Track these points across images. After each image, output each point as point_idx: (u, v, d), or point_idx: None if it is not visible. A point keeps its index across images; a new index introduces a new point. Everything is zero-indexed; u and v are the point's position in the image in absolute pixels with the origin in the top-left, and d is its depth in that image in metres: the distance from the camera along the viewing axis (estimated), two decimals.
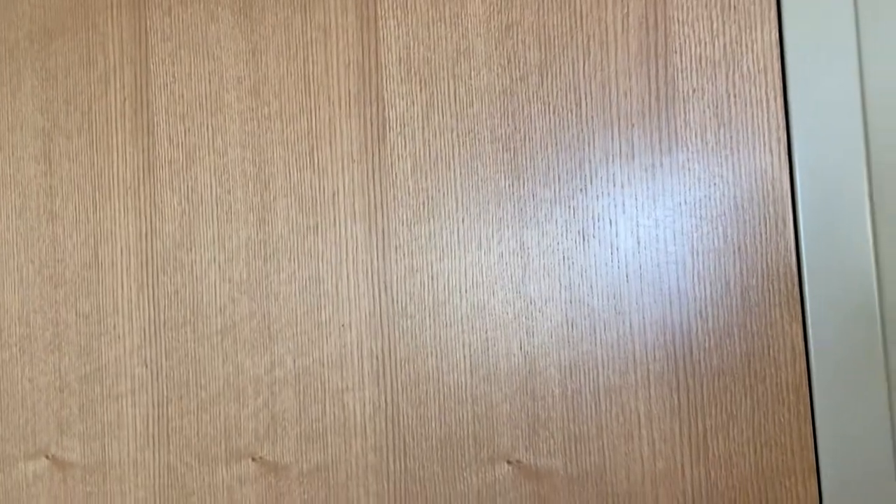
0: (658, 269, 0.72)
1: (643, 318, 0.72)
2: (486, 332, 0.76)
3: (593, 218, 0.74)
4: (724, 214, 0.70)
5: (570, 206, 0.75)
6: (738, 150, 0.70)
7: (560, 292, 0.74)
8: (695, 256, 0.71)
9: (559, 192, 0.75)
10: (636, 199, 0.73)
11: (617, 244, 0.73)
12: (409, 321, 0.78)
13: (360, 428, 0.79)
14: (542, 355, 0.74)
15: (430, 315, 0.78)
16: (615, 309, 0.73)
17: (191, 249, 0.86)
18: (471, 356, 0.77)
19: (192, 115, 0.87)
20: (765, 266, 0.69)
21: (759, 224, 0.69)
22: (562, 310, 0.74)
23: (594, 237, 0.73)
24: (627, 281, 0.72)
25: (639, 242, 0.72)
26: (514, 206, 0.76)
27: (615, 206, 0.73)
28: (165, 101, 0.89)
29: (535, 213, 0.75)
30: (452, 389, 0.77)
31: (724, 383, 0.70)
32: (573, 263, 0.74)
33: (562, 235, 0.74)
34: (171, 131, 0.88)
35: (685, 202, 0.71)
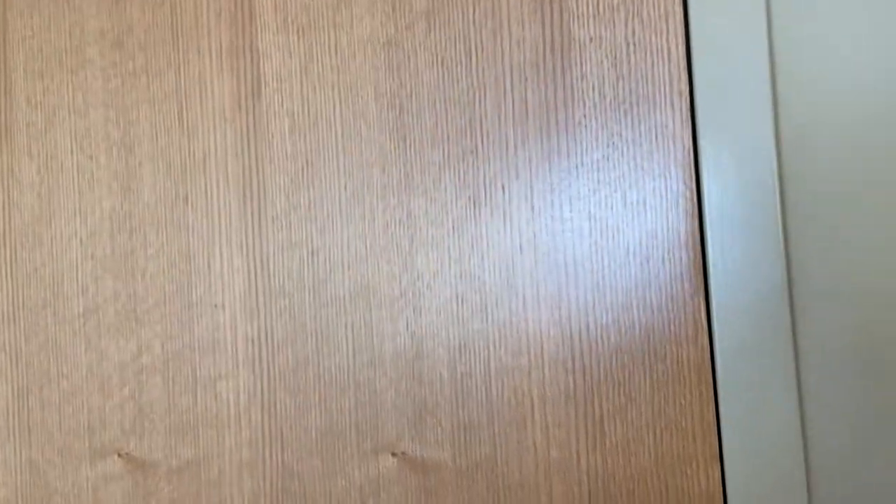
0: (553, 238, 0.74)
1: (537, 292, 0.74)
2: (371, 312, 0.79)
3: (485, 183, 0.76)
4: (624, 176, 0.73)
5: (459, 171, 0.77)
6: (638, 105, 0.73)
7: (449, 265, 0.77)
8: (592, 223, 0.74)
9: (448, 154, 0.77)
10: (530, 161, 0.75)
11: (510, 212, 0.75)
12: (287, 300, 0.81)
13: (234, 419, 0.82)
14: (430, 335, 0.77)
15: (309, 293, 0.80)
16: (507, 283, 0.75)
17: (50, 223, 0.88)
18: (353, 338, 0.79)
19: (51, 73, 0.89)
20: (667, 233, 0.72)
21: (661, 186, 0.72)
22: (451, 284, 0.77)
23: (486, 204, 0.76)
24: (521, 252, 0.75)
25: (533, 209, 0.75)
26: (401, 170, 0.78)
27: (508, 169, 0.76)
28: (24, 58, 0.90)
29: (422, 178, 0.78)
30: (334, 375, 0.79)
31: (623, 362, 0.72)
32: (463, 233, 0.76)
33: (451, 203, 0.77)
34: (29, 91, 0.90)
35: (582, 164, 0.74)
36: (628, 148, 0.73)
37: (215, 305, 0.83)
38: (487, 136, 0.77)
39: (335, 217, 0.80)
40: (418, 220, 0.78)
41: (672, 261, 0.72)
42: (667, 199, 0.72)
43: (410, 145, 0.78)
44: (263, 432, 0.81)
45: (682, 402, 0.71)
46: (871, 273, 0.69)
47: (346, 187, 0.80)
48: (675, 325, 0.72)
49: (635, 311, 0.73)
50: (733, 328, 0.71)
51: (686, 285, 0.72)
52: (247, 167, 0.82)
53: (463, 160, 0.77)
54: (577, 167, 0.74)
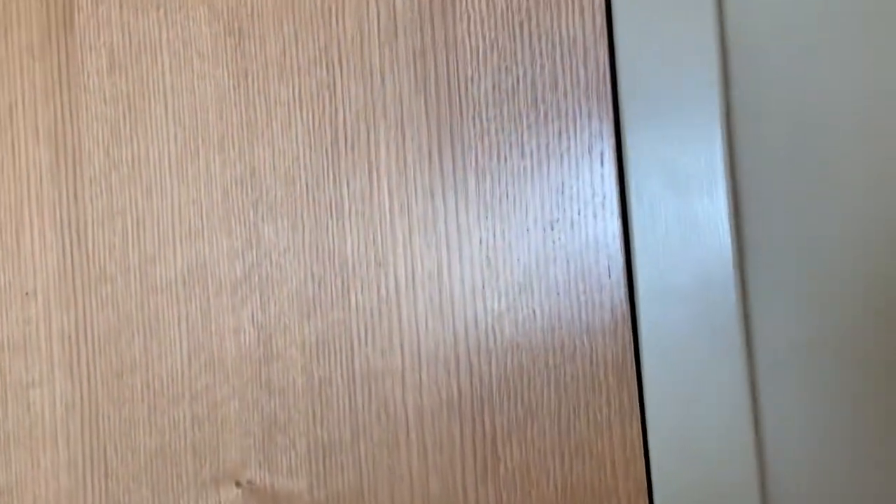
0: (432, 199, 0.64)
1: (412, 269, 0.64)
2: (209, 300, 0.70)
3: (345, 125, 0.66)
4: (521, 115, 0.62)
5: (314, 110, 0.67)
6: (538, 13, 0.62)
7: (304, 235, 0.67)
8: (480, 177, 0.63)
9: (299, 89, 0.67)
10: (400, 90, 0.65)
11: (377, 160, 0.65)
12: (109, 286, 0.72)
13: (50, 437, 0.74)
14: (281, 330, 0.68)
15: (135, 277, 0.71)
16: (375, 259, 0.65)
17: None
18: (189, 334, 0.70)
19: None
20: (578, 190, 0.61)
21: (570, 127, 0.61)
22: (306, 262, 0.67)
23: (346, 156, 0.66)
24: (391, 218, 0.65)
25: (406, 162, 0.65)
26: (242, 113, 0.69)
27: (374, 103, 0.66)
28: None
29: (268, 123, 0.68)
30: (165, 381, 0.71)
31: (520, 362, 0.62)
32: (321, 193, 0.67)
33: (304, 155, 0.67)
34: None
35: (467, 98, 0.63)
36: (526, 73, 0.62)
37: (26, 293, 0.75)
38: (348, 61, 0.66)
39: (164, 176, 0.71)
40: (264, 178, 0.68)
41: (584, 226, 0.61)
42: (578, 143, 0.61)
43: (253, 81, 0.69)
44: (84, 453, 0.73)
45: (599, 416, 0.61)
46: (836, 249, 0.57)
47: (176, 138, 0.70)
48: (588, 313, 0.61)
49: (536, 294, 0.62)
50: (665, 317, 0.60)
51: (603, 260, 0.61)
52: (59, 116, 0.74)
53: (318, 96, 0.67)
54: (461, 102, 0.64)
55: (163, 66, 0.71)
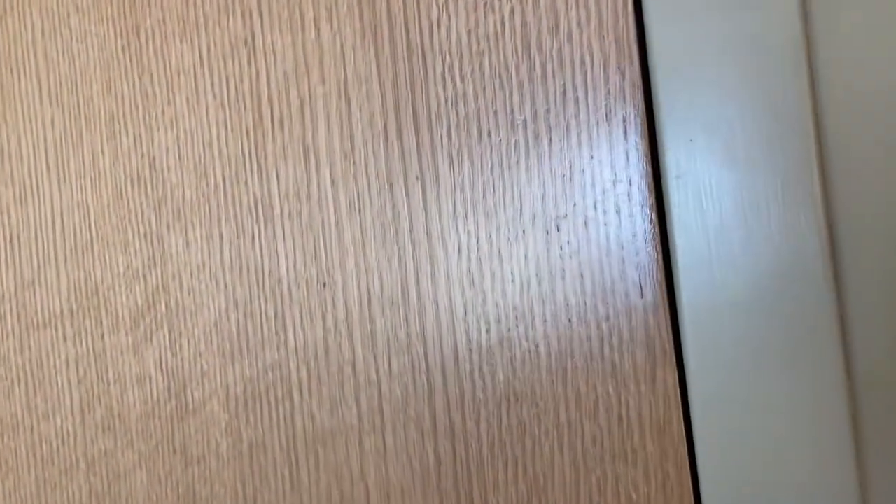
0: (390, 184, 0.47)
1: (368, 290, 0.47)
2: (104, 337, 0.53)
3: (270, 94, 0.49)
4: (516, 66, 0.45)
5: (228, 76, 0.50)
6: None
7: (222, 248, 0.50)
8: (455, 160, 0.46)
9: (208, 48, 0.51)
10: (342, 42, 0.48)
11: (315, 142, 0.48)
12: None
13: None
14: (198, 377, 0.51)
15: (11, 309, 0.55)
16: (318, 277, 0.48)
17: None
18: (80, 384, 0.54)
19: None
20: (592, 169, 0.44)
21: (577, 73, 0.44)
22: (226, 285, 0.50)
23: (276, 130, 0.49)
24: (327, 194, 0.48)
25: (341, 135, 0.47)
26: (135, 84, 0.52)
27: (308, 63, 0.48)
28: None
29: (169, 94, 0.51)
30: (55, 445, 0.54)
31: (521, 420, 0.45)
32: (243, 190, 0.50)
33: (219, 135, 0.50)
34: None
35: (433, 40, 0.46)
36: (515, 11, 0.45)
37: None
38: (269, 13, 0.49)
39: (40, 175, 0.54)
40: (167, 172, 0.51)
41: (603, 225, 0.44)
42: (590, 106, 0.44)
43: (148, 40, 0.52)
44: None
45: (634, 495, 0.43)
46: None
47: (53, 122, 0.54)
48: (613, 349, 0.44)
49: (539, 322, 0.45)
50: (721, 350, 0.42)
51: (631, 272, 0.43)
52: None
53: (232, 59, 0.50)
54: (424, 55, 0.47)
55: (33, 28, 0.54)
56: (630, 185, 0.43)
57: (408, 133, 0.47)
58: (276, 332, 0.49)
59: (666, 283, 0.44)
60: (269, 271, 0.49)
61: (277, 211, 0.49)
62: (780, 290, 0.41)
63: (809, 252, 0.40)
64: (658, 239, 0.43)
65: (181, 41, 0.51)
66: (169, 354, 0.52)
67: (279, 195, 0.49)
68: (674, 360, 0.43)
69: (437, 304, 0.46)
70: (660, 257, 0.43)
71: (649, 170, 0.43)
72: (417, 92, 0.47)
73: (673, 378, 0.43)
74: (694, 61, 0.42)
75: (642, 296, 0.43)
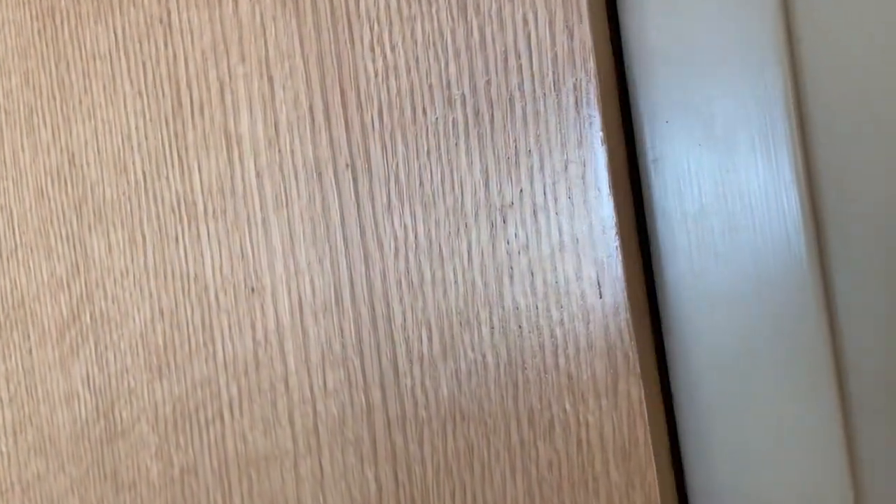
0: (318, 174, 0.42)
1: (299, 295, 0.43)
2: (31, 351, 0.49)
3: (188, 77, 0.45)
4: (452, 27, 0.39)
5: (146, 59, 0.46)
6: None
7: (146, 252, 0.46)
8: (388, 143, 0.41)
9: (125, 29, 0.46)
10: (262, 14, 0.43)
11: (237, 128, 0.44)
12: None
13: None
14: (125, 394, 0.47)
15: None
16: (245, 282, 0.44)
17: None
18: (11, 402, 0.50)
19: None
20: (541, 148, 0.38)
21: (520, 31, 0.38)
22: (151, 292, 0.46)
23: (196, 118, 0.45)
24: (251, 188, 0.43)
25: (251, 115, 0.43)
26: (52, 73, 0.48)
27: (226, 39, 0.44)
28: None
29: (86, 82, 0.47)
30: None
31: (469, 442, 0.40)
32: (164, 186, 0.45)
33: (138, 126, 0.46)
34: None
35: (361, 2, 0.41)
36: None
37: None
38: None
39: None
40: (87, 168, 0.47)
41: (556, 214, 0.38)
42: (537, 71, 0.38)
43: (63, 23, 0.48)
44: None
45: None
46: None
47: None
48: (571, 359, 0.38)
49: (485, 330, 0.39)
50: (705, 351, 0.37)
51: (589, 269, 0.37)
52: None
53: (149, 40, 0.45)
54: (350, 22, 0.41)
55: None
56: (584, 166, 0.37)
57: (335, 115, 0.42)
58: (204, 344, 0.45)
59: (637, 277, 0.38)
60: (195, 276, 0.45)
61: (201, 208, 0.45)
62: (764, 278, 0.37)
63: (794, 238, 0.37)
64: (619, 230, 0.37)
65: (96, 22, 0.47)
66: (96, 370, 0.48)
67: (202, 191, 0.45)
68: (638, 369, 0.37)
69: (374, 311, 0.41)
70: (621, 251, 0.37)
71: (609, 148, 0.37)
72: (345, 66, 0.41)
73: (638, 391, 0.37)
74: (669, 39, 0.38)
75: (601, 296, 0.37)
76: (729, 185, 0.38)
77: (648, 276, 0.41)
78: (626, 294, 0.37)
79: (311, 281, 0.42)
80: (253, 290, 0.44)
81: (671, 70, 0.38)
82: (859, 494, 0.37)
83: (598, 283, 0.37)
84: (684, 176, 0.38)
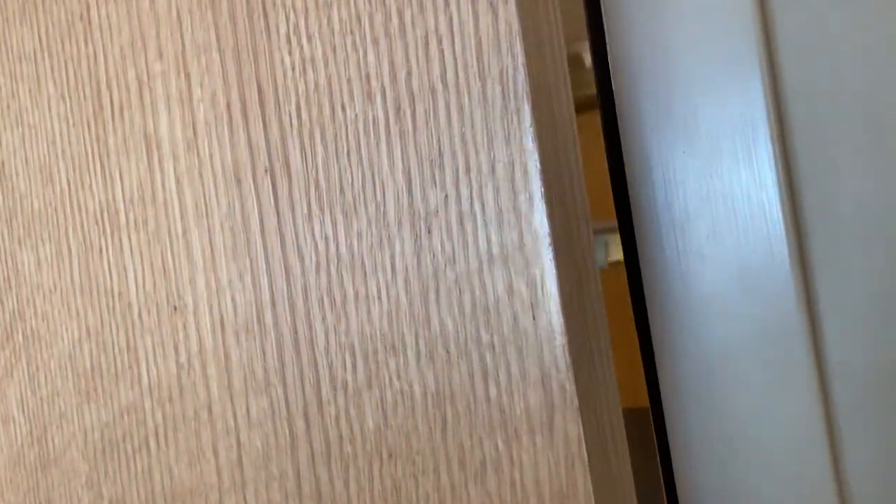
0: (237, 180, 0.38)
1: (220, 313, 0.39)
2: None
3: (108, 78, 0.42)
4: (371, 13, 0.35)
5: (67, 60, 0.43)
6: None
7: (72, 266, 0.43)
8: (306, 144, 0.37)
9: (47, 28, 0.43)
10: (177, 6, 0.39)
11: (157, 131, 0.40)
12: None
13: None
14: (57, 418, 0.44)
15: None
16: (167, 298, 0.40)
17: None
18: None
19: None
20: (468, 148, 0.33)
21: (441, 14, 0.34)
22: (78, 310, 0.43)
23: (116, 120, 0.41)
24: (172, 196, 0.40)
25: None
26: None
27: (144, 35, 0.40)
28: None
29: (13, 86, 0.45)
30: None
31: (396, 481, 0.35)
32: (88, 195, 0.43)
33: (62, 131, 0.43)
34: None
35: None
36: None
37: None
38: None
39: None
40: (16, 178, 0.45)
41: (485, 223, 0.33)
42: (467, 60, 0.33)
43: None
44: None
45: None
46: None
47: None
48: (508, 391, 0.33)
49: (412, 354, 0.35)
50: (690, 361, 0.34)
51: (521, 286, 0.33)
52: None
53: (70, 38, 0.42)
54: (266, 12, 0.37)
55: None
56: (512, 167, 0.32)
57: (253, 113, 0.38)
58: (130, 367, 0.42)
59: (578, 295, 0.33)
60: (119, 293, 0.42)
61: (123, 219, 0.41)
62: (749, 279, 0.38)
63: (776, 239, 0.38)
64: (553, 240, 0.32)
65: (21, 22, 0.44)
66: (29, 392, 0.45)
67: (124, 199, 0.41)
68: (576, 402, 0.31)
69: (296, 332, 0.37)
70: (557, 266, 0.32)
71: (541, 146, 0.32)
72: (261, 60, 0.37)
73: (576, 428, 0.31)
74: (653, 50, 0.39)
75: (534, 318, 0.32)
76: (713, 190, 0.38)
77: (636, 280, 0.40)
78: (562, 315, 0.32)
79: (233, 298, 0.39)
80: (175, 308, 0.40)
81: (655, 80, 0.39)
82: (843, 492, 0.37)
83: (531, 303, 0.32)
84: (670, 182, 0.39)
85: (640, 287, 0.41)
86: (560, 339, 0.32)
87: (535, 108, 0.32)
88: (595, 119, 0.42)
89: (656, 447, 0.41)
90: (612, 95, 0.41)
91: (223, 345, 0.39)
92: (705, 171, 0.38)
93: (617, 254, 0.41)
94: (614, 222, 0.42)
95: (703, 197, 0.38)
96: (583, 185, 0.36)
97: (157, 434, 0.41)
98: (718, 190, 0.38)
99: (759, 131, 0.37)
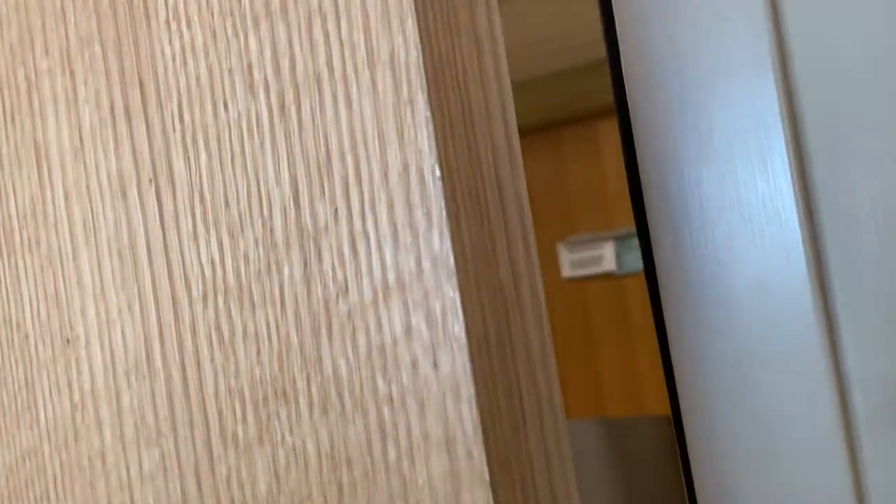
0: (123, 193, 0.33)
1: (111, 347, 0.34)
2: None
3: (3, 78, 0.37)
4: None
5: None
6: None
7: None
8: (190, 149, 0.31)
9: None
10: None
11: (45, 138, 0.35)
12: None
13: None
14: None
15: None
16: (60, 330, 0.36)
17: None
18: None
19: None
20: (375, 156, 0.27)
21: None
22: None
23: (9, 126, 0.37)
24: (61, 212, 0.35)
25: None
26: None
27: (31, 29, 0.35)
28: None
29: None
30: None
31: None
32: None
33: None
34: None
35: None
36: None
37: None
38: None
39: None
40: None
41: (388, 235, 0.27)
42: (369, 50, 0.27)
43: None
44: None
45: None
46: None
47: None
48: (403, 415, 0.27)
49: (309, 389, 0.28)
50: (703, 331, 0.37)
51: (435, 301, 0.26)
52: None
53: None
54: None
55: None
56: (407, 174, 0.26)
57: (137, 114, 0.32)
58: (28, 406, 0.37)
59: (496, 337, 0.26)
60: (17, 323, 0.37)
61: (18, 239, 0.36)
62: (765, 286, 0.37)
63: (793, 246, 0.36)
64: (460, 267, 0.25)
65: None
66: None
67: (17, 216, 0.36)
68: (486, 475, 0.25)
69: (185, 373, 0.31)
70: (463, 300, 0.25)
71: (443, 144, 0.25)
72: (143, 51, 0.32)
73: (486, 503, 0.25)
74: (666, 55, 0.38)
75: (435, 365, 0.25)
76: (728, 197, 0.38)
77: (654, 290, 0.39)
78: (469, 361, 0.25)
79: (123, 332, 0.33)
80: (68, 340, 0.35)
81: (669, 87, 0.38)
82: (863, 502, 0.36)
83: (432, 345, 0.25)
84: (685, 189, 0.38)
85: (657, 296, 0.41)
86: (466, 392, 0.25)
87: (437, 99, 0.25)
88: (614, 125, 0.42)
89: (678, 456, 0.40)
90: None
91: (114, 385, 0.33)
92: (719, 177, 0.38)
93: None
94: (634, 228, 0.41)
95: (718, 204, 0.38)
96: (520, 196, 0.29)
97: (56, 482, 0.36)
98: (733, 197, 0.37)
99: (773, 136, 0.37)
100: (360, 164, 0.27)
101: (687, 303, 0.38)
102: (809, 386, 0.36)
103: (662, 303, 0.39)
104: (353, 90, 0.27)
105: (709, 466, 0.38)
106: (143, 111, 0.32)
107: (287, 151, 0.28)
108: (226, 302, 0.30)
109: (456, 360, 0.25)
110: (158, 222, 0.32)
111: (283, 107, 0.28)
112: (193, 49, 0.30)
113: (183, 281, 0.31)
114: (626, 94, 0.40)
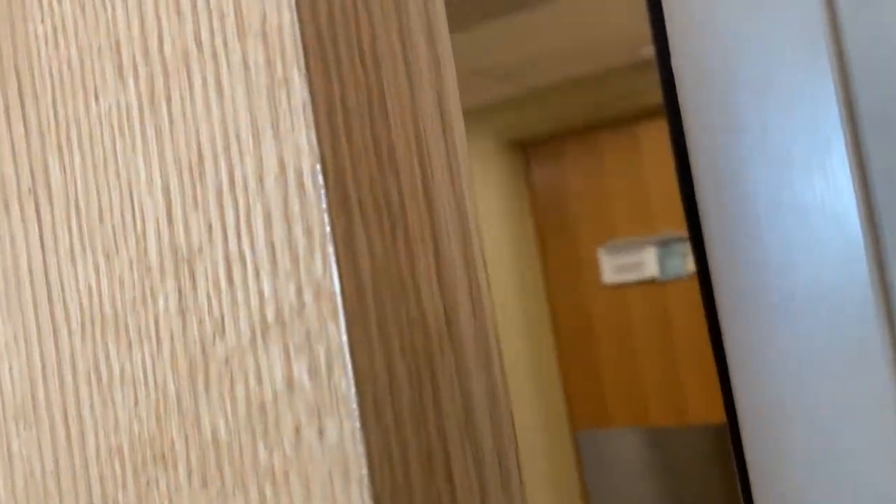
0: (6, 205, 0.28)
1: None
2: None
3: None
4: None
5: None
6: None
7: None
8: (66, 155, 0.25)
9: None
10: None
11: None
12: None
13: None
14: None
15: None
16: None
17: None
18: None
19: None
20: (272, 165, 0.21)
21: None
22: None
23: None
24: None
25: None
26: None
27: None
28: None
29: None
30: None
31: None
32: None
33: None
34: None
35: None
36: None
37: None
38: None
39: None
40: None
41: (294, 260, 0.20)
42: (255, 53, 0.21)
43: None
44: None
45: None
46: None
47: None
48: (287, 495, 0.20)
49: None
50: (758, 335, 0.36)
51: (302, 337, 0.20)
52: None
53: None
54: None
55: None
56: (284, 178, 0.19)
57: (15, 110, 0.27)
58: None
59: (417, 403, 0.19)
60: None
61: None
62: (823, 291, 0.36)
63: (853, 250, 0.35)
64: (347, 302, 0.19)
65: None
66: None
67: None
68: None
69: (67, 422, 0.26)
70: (353, 348, 0.19)
71: (326, 139, 0.19)
72: (18, 32, 0.26)
73: None
74: (718, 56, 0.37)
75: (320, 431, 0.19)
76: (784, 200, 0.37)
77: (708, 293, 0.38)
78: (360, 433, 0.19)
79: (10, 370, 0.28)
80: None
81: (722, 87, 0.38)
82: None
83: (317, 407, 0.19)
84: (739, 193, 0.37)
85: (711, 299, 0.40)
86: (357, 471, 0.19)
87: (320, 78, 0.19)
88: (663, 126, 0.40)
89: (735, 464, 0.40)
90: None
91: (4, 430, 0.28)
92: (776, 180, 0.37)
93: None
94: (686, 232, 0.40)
95: (775, 207, 0.37)
96: (462, 198, 0.22)
97: None
98: (790, 200, 0.37)
99: (832, 138, 0.35)
100: (234, 166, 0.20)
101: (744, 309, 0.37)
102: (872, 393, 0.36)
103: (717, 309, 0.39)
104: (224, 70, 0.20)
105: (768, 475, 0.38)
106: (20, 104, 0.26)
107: (158, 152, 0.22)
108: (103, 336, 0.24)
109: (344, 427, 0.19)
110: (38, 240, 0.26)
111: (153, 95, 0.22)
112: (64, 27, 0.25)
113: (63, 309, 0.26)
114: (677, 95, 0.39)
